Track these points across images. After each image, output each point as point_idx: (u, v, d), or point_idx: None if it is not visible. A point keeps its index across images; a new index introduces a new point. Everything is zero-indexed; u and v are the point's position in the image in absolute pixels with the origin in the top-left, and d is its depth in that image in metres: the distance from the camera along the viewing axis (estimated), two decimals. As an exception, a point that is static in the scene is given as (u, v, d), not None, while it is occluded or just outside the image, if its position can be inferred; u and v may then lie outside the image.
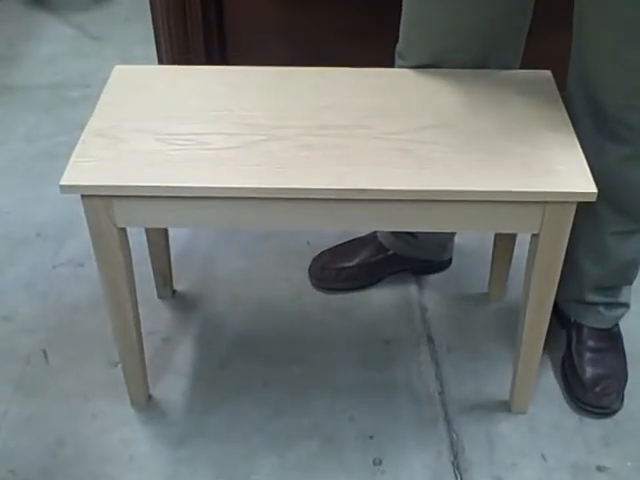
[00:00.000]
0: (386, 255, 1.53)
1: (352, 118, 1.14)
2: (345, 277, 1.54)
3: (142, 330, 1.24)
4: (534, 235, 1.10)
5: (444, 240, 1.53)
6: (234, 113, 1.15)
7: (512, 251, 1.44)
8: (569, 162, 1.07)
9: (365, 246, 1.55)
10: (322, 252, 1.58)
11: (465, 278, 1.58)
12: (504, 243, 1.44)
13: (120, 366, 1.28)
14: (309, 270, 1.57)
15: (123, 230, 1.09)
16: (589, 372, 1.33)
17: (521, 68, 1.29)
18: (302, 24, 1.80)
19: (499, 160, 1.07)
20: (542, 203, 1.04)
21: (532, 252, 1.12)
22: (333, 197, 1.03)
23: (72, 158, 1.06)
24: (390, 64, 1.32)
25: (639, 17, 1.02)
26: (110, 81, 1.24)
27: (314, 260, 1.57)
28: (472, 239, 1.63)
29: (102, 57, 2.33)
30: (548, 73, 1.26)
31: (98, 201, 1.03)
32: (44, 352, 1.42)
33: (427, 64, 1.24)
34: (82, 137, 1.10)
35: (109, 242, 1.08)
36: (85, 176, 1.02)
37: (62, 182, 1.01)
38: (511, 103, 1.19)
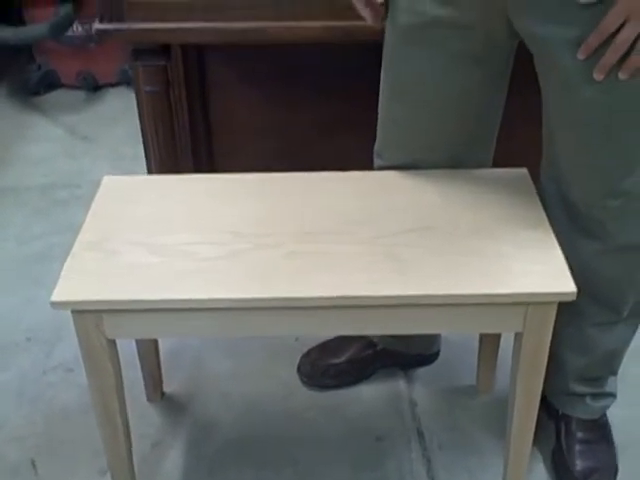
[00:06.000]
0: (375, 350, 1.55)
1: (335, 223, 1.18)
2: (334, 373, 1.54)
3: (131, 435, 1.24)
4: (517, 333, 1.12)
5: (432, 334, 1.55)
6: (221, 222, 1.18)
7: (498, 343, 1.46)
8: (548, 261, 1.10)
9: (353, 342, 1.56)
10: (311, 349, 1.59)
11: (454, 370, 1.59)
12: (490, 335, 1.46)
13: (109, 474, 1.27)
14: (298, 367, 1.57)
15: (113, 341, 1.11)
16: (579, 465, 1.33)
17: (500, 160, 1.33)
18: (286, 122, 1.87)
19: (480, 261, 1.10)
20: (523, 304, 1.07)
21: (516, 350, 1.14)
22: (319, 305, 1.05)
23: (63, 272, 1.08)
24: (371, 155, 1.37)
25: (600, 121, 1.07)
26: (99, 192, 1.27)
27: (303, 357, 1.58)
28: (459, 330, 1.65)
29: (92, 157, 2.38)
30: (524, 171, 1.30)
31: (88, 316, 1.05)
32: (32, 462, 1.40)
33: (405, 163, 1.28)
34: (72, 250, 1.13)
35: (98, 354, 1.10)
36: (75, 291, 1.05)
37: (53, 298, 1.04)
38: (490, 202, 1.23)
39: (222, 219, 1.19)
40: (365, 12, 1.18)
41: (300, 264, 1.09)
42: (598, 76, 1.01)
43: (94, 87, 2.78)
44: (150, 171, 1.76)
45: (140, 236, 1.15)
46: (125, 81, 2.77)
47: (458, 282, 1.07)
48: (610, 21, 0.97)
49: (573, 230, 1.20)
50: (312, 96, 1.83)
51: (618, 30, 0.97)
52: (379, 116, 1.30)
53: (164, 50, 1.52)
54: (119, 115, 2.60)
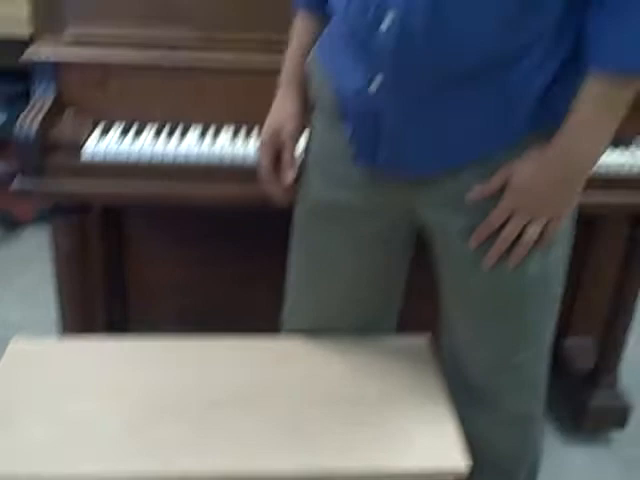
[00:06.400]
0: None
1: (240, 394, 1.20)
2: None
3: None
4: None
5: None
6: (127, 391, 1.18)
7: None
8: (444, 436, 1.14)
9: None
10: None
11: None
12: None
13: None
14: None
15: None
16: None
17: (405, 324, 1.39)
18: (202, 278, 1.92)
19: (380, 436, 1.13)
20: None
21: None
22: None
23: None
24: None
25: (491, 302, 1.15)
26: (6, 356, 1.26)
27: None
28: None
29: (4, 302, 2.34)
30: (427, 338, 1.35)
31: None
32: None
33: (311, 329, 1.32)
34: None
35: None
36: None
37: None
38: (392, 373, 1.27)
39: (128, 388, 1.19)
40: (274, 191, 1.25)
41: (202, 438, 1.10)
42: (487, 264, 1.10)
43: (11, 225, 2.77)
44: (62, 323, 1.75)
45: (44, 405, 1.15)
46: (44, 219, 2.76)
47: (355, 457, 1.09)
48: (497, 215, 1.07)
49: (469, 401, 1.25)
50: (228, 254, 1.89)
51: (506, 222, 1.07)
52: (287, 284, 1.35)
53: (83, 207, 1.56)
54: (35, 255, 2.57)
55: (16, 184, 1.51)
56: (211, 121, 1.54)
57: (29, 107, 1.51)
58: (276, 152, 1.23)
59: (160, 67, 1.53)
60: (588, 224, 1.81)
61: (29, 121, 1.47)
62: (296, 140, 1.23)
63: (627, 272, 1.70)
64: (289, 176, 1.21)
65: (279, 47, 1.29)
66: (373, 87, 1.03)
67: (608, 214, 1.76)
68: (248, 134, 1.52)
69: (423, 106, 1.03)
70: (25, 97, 1.59)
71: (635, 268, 1.69)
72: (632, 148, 1.55)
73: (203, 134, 1.52)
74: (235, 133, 1.53)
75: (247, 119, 1.53)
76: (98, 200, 1.57)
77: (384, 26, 0.98)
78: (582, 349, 1.96)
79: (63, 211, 1.55)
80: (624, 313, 1.75)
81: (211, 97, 1.55)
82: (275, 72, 1.27)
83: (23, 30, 1.76)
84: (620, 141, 1.54)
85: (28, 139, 1.45)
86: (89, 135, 1.50)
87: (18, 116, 1.47)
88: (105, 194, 1.50)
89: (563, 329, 1.97)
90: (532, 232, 1.06)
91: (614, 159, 1.50)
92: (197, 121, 1.54)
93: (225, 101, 1.54)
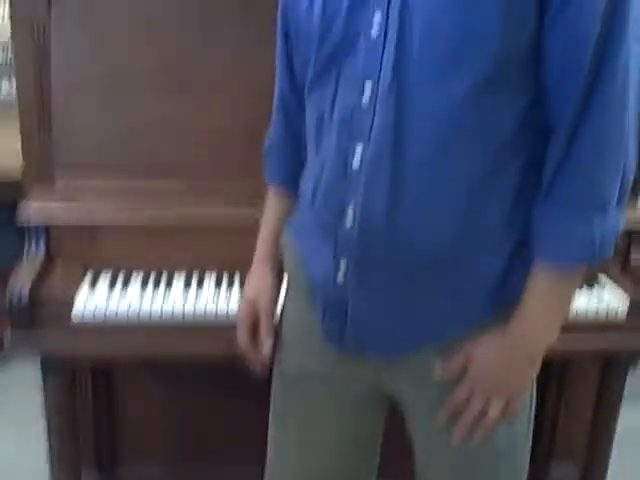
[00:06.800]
0: None
1: None
2: None
3: None
4: None
5: None
6: None
7: None
8: None
9: None
10: None
11: None
12: None
13: None
14: None
15: None
16: None
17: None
18: (187, 415, 1.94)
19: None
20: None
21: None
22: None
23: None
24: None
25: (459, 464, 1.17)
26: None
27: None
28: None
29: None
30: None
31: None
32: None
33: None
34: None
35: None
36: None
37: None
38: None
39: None
40: (253, 359, 1.27)
41: None
42: (455, 438, 1.12)
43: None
44: (52, 458, 1.77)
45: None
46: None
47: None
48: (459, 395, 1.11)
49: None
50: (216, 392, 1.92)
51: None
52: (268, 442, 1.35)
53: (72, 363, 1.61)
54: (27, 385, 2.56)
55: (8, 339, 1.55)
56: (195, 269, 1.62)
57: (21, 264, 1.58)
58: (254, 322, 1.26)
59: (146, 220, 1.61)
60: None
61: (21, 279, 1.53)
62: (272, 311, 1.27)
63: (602, 404, 1.74)
64: (266, 346, 1.24)
65: (262, 199, 1.34)
66: (339, 275, 1.09)
67: (575, 358, 1.80)
68: (230, 283, 1.59)
69: (386, 294, 1.08)
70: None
71: (609, 400, 1.73)
72: (595, 290, 1.61)
73: (187, 283, 1.59)
74: (217, 282, 1.59)
75: (230, 268, 1.60)
76: (87, 359, 1.61)
77: (347, 222, 1.05)
78: (566, 474, 1.98)
79: (53, 368, 1.59)
80: (603, 442, 1.79)
81: (195, 247, 1.62)
82: (257, 225, 1.31)
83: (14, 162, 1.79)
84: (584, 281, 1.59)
85: (20, 298, 1.51)
86: (78, 290, 1.55)
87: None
88: (94, 353, 1.54)
89: (546, 454, 2.00)
90: (493, 409, 1.09)
91: (577, 304, 1.55)
92: (181, 269, 1.62)
93: (208, 251, 1.61)
